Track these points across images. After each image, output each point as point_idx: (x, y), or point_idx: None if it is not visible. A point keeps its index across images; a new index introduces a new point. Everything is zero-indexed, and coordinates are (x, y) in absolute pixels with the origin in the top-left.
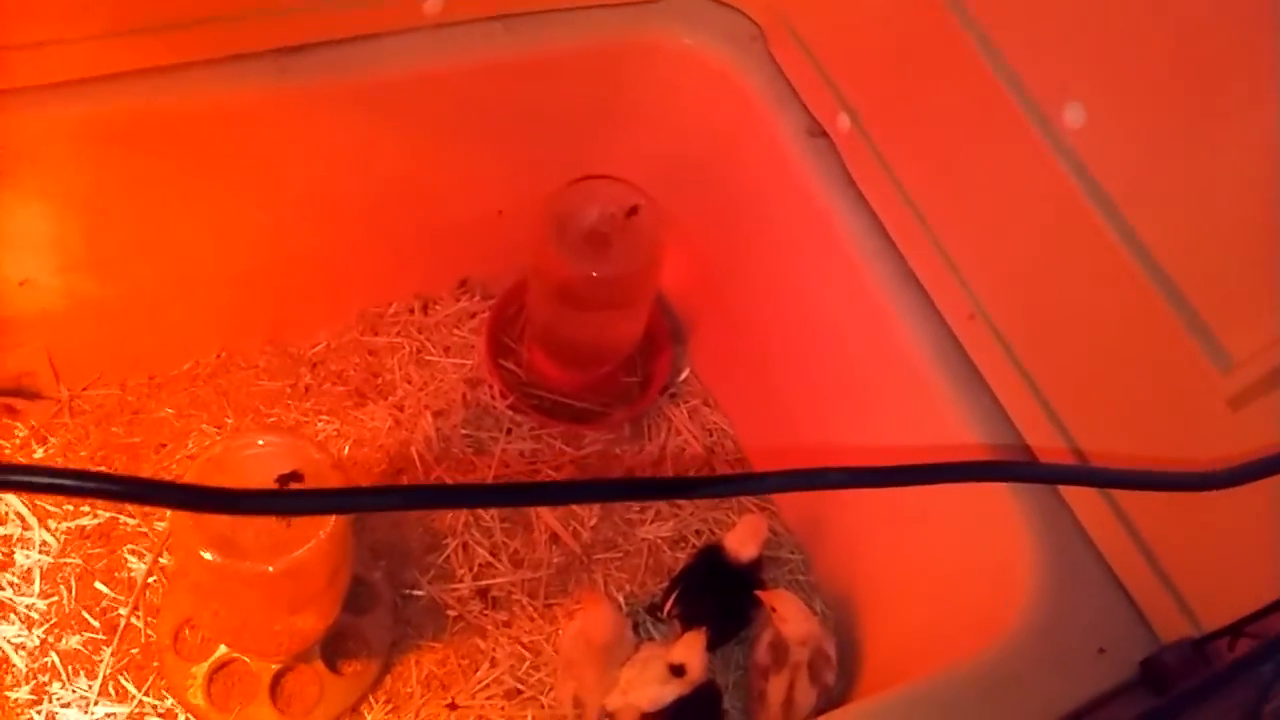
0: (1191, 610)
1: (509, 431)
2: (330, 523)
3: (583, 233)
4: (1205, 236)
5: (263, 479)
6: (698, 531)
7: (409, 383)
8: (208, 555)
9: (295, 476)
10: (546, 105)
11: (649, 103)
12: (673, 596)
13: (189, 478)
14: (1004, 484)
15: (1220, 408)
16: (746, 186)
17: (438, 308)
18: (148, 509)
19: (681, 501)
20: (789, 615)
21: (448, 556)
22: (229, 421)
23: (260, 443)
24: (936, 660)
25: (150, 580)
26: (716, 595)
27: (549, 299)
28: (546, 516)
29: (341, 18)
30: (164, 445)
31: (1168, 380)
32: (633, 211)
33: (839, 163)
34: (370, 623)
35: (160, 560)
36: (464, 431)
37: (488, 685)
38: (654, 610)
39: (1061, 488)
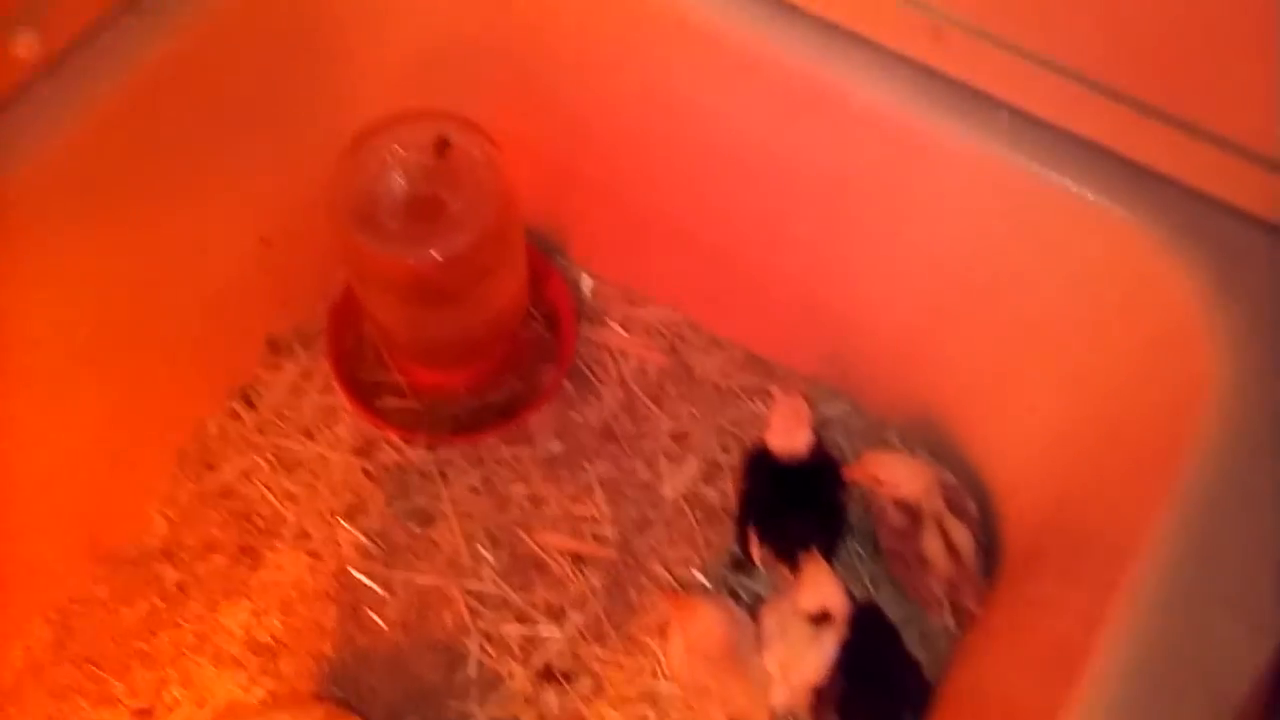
0: None
1: (444, 476)
2: None
3: (397, 207)
4: None
5: None
6: (724, 448)
7: (294, 501)
8: None
9: None
10: (243, 78)
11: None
12: (752, 538)
13: None
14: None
15: None
16: (541, 21)
17: (263, 392)
18: None
19: (669, 424)
20: (896, 478)
21: (478, 661)
22: (118, 687)
23: None
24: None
25: None
26: (797, 507)
27: (399, 307)
28: (548, 536)
29: None
30: None
31: None
32: (443, 146)
33: None
34: None
35: None
36: (394, 512)
37: None
38: (740, 566)
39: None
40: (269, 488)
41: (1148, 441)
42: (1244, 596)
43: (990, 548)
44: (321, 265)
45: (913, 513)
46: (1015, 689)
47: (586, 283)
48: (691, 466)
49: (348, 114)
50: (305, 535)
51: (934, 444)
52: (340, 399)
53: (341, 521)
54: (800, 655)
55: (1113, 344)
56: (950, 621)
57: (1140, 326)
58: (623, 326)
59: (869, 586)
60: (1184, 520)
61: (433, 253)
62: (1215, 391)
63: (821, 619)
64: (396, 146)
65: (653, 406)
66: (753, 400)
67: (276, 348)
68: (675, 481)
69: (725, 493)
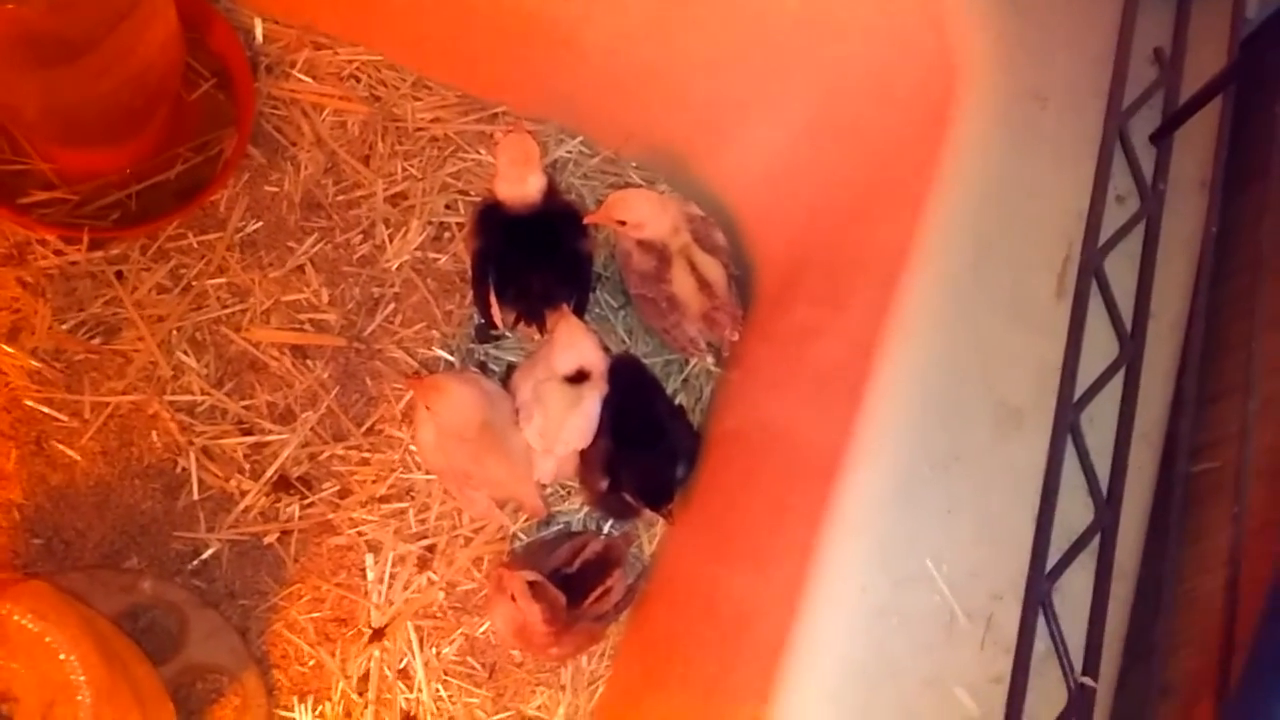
0: None
1: (121, 277)
2: None
3: None
4: None
5: None
6: (449, 206)
7: None
8: None
9: None
10: None
11: None
12: (493, 302)
13: None
14: None
15: None
16: None
17: None
18: None
19: (383, 186)
20: (640, 216)
21: (200, 482)
22: None
23: None
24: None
25: None
26: (537, 261)
27: (13, 71)
28: (260, 332)
29: None
30: None
31: None
32: None
33: None
34: (200, 650)
35: None
36: (67, 326)
37: (393, 574)
38: (486, 335)
39: None
40: None
41: (903, 141)
42: (1019, 298)
43: (744, 279)
44: None
45: (659, 253)
46: (792, 419)
47: (258, 25)
48: (415, 231)
49: None
50: None
51: (675, 175)
52: None
53: (3, 346)
54: (561, 421)
55: (857, 39)
56: (710, 362)
57: (886, 14)
58: (309, 75)
59: (625, 338)
60: (950, 226)
61: None
62: (969, 76)
63: (579, 379)
64: None
65: (361, 167)
66: (475, 149)
67: None
68: (399, 250)
69: (458, 256)
